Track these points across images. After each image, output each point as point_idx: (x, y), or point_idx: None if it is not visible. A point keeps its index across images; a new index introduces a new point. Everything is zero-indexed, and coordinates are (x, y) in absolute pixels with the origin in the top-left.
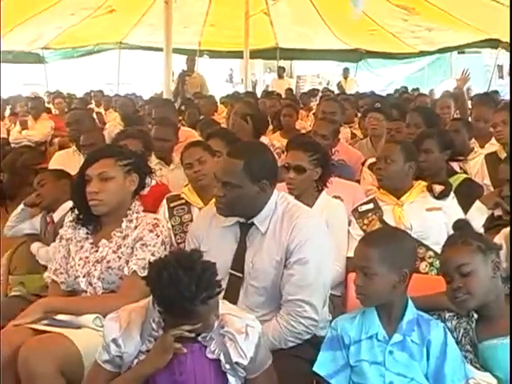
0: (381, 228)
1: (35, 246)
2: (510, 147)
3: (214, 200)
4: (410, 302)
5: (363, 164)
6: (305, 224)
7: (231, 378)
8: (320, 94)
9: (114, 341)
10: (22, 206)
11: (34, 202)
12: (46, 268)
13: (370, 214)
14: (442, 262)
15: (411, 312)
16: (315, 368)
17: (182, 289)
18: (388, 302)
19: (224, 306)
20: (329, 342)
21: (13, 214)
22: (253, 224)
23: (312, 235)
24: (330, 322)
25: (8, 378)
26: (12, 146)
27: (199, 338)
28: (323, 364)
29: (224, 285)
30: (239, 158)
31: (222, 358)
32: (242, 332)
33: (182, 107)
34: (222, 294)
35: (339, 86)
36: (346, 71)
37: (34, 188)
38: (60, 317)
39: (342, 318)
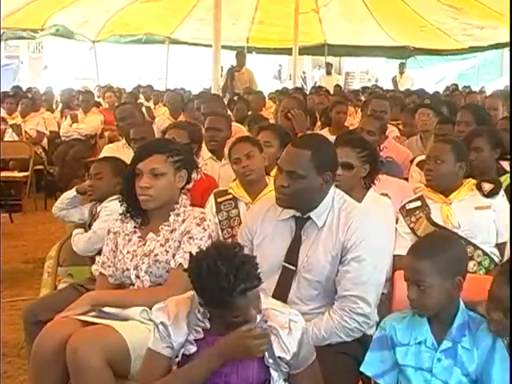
0: (429, 236)
1: (74, 233)
2: (510, 147)
3: (261, 195)
4: (462, 305)
5: (412, 162)
6: (362, 222)
7: (274, 373)
8: (369, 91)
9: (165, 327)
10: (74, 192)
11: (86, 191)
12: (92, 260)
13: (417, 212)
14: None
15: (462, 316)
16: (363, 368)
17: (220, 279)
18: (447, 305)
19: (267, 301)
20: (377, 342)
21: (64, 195)
22: (309, 218)
23: (369, 234)
24: (378, 322)
25: (57, 368)
26: (62, 139)
27: None
28: (371, 364)
29: (276, 277)
30: (307, 149)
31: (265, 352)
32: (286, 327)
33: (231, 102)
34: (273, 286)
35: (394, 81)
36: (401, 66)
37: (90, 177)
38: (107, 309)
39: (391, 317)
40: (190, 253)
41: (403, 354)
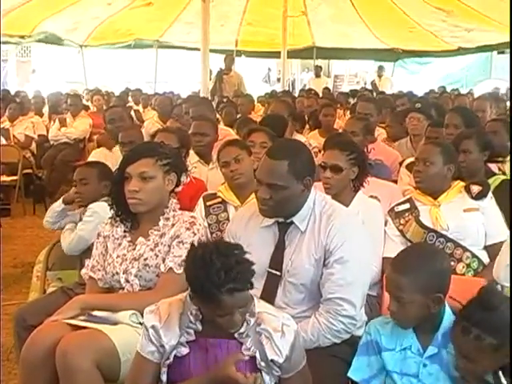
0: (411, 250)
1: (65, 229)
2: (510, 147)
3: (250, 199)
4: (448, 310)
5: (401, 164)
6: (343, 224)
7: (266, 376)
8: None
9: (156, 331)
10: (62, 204)
11: (73, 199)
12: (82, 264)
13: (406, 214)
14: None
15: (448, 321)
16: (350, 374)
17: (211, 272)
18: (427, 318)
19: (260, 305)
20: (364, 347)
21: (52, 208)
22: (292, 223)
23: (351, 235)
24: (367, 322)
25: (46, 372)
26: (51, 143)
27: (235, 335)
28: (359, 369)
29: (262, 283)
30: (282, 159)
31: (257, 355)
32: (279, 330)
33: (220, 106)
34: (260, 292)
35: (373, 84)
36: (380, 69)
37: (74, 183)
38: (97, 313)
39: (375, 322)
40: (191, 245)
41: (389, 359)
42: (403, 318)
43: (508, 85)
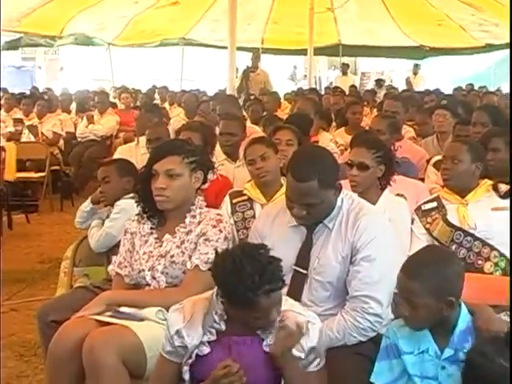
0: (423, 253)
1: (91, 226)
2: (510, 146)
3: (277, 197)
4: (464, 310)
5: (428, 162)
6: (370, 222)
7: None
8: (384, 91)
9: (178, 332)
10: (90, 204)
11: (100, 200)
12: (108, 260)
13: (433, 213)
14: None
15: (464, 321)
16: (372, 379)
17: (245, 278)
18: (440, 320)
19: (287, 303)
20: (384, 351)
21: (81, 209)
22: (320, 222)
23: (378, 233)
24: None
25: (73, 367)
26: (78, 140)
27: (258, 331)
28: (380, 373)
29: (288, 281)
30: (310, 179)
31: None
32: (302, 327)
33: (246, 103)
34: (285, 290)
35: (407, 81)
36: (415, 67)
37: (99, 182)
38: (123, 309)
39: (393, 325)
40: (216, 250)
41: (409, 362)
42: (416, 321)
43: None
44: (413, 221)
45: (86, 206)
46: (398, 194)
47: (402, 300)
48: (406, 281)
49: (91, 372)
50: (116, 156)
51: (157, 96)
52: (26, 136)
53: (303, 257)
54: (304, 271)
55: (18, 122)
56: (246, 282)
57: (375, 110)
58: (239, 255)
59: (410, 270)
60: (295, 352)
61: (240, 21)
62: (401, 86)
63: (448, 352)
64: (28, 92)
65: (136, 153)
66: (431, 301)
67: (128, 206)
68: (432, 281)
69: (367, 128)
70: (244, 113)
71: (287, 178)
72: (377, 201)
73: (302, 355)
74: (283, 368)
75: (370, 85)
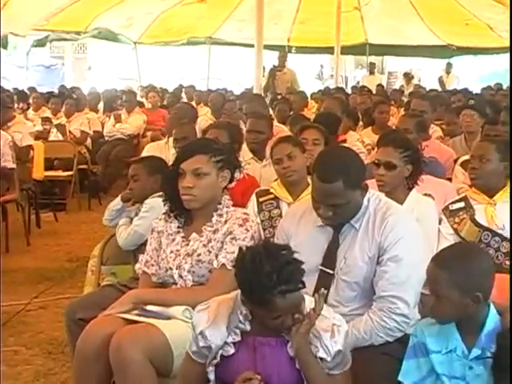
0: (456, 247)
1: (119, 224)
2: (510, 146)
3: (303, 196)
4: (492, 310)
5: (455, 162)
6: (397, 222)
7: None
8: (411, 89)
9: (201, 333)
10: (120, 202)
11: (130, 198)
12: (135, 259)
13: (461, 213)
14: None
15: (493, 321)
16: (400, 377)
17: (262, 276)
18: (465, 316)
19: (311, 305)
20: (412, 350)
21: (110, 207)
22: (347, 222)
23: (405, 233)
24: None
25: (100, 365)
26: (106, 139)
27: (283, 333)
28: (408, 372)
29: (313, 280)
30: (336, 180)
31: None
32: (328, 330)
33: (274, 103)
34: (312, 290)
35: (440, 80)
36: (448, 66)
37: (128, 180)
38: (150, 307)
39: (421, 324)
40: (239, 247)
41: (436, 361)
42: (440, 313)
43: None
44: (440, 221)
45: (116, 204)
46: (425, 194)
47: (429, 290)
48: (434, 269)
49: (118, 370)
50: (144, 154)
51: (183, 95)
52: (54, 135)
53: (330, 257)
54: (330, 271)
55: (46, 120)
56: (263, 280)
57: (402, 109)
58: (260, 253)
59: (440, 260)
60: (321, 353)
61: (267, 20)
62: (428, 85)
63: (475, 352)
64: (56, 91)
65: (165, 151)
66: (456, 293)
67: (157, 204)
68: (459, 273)
69: (394, 127)
70: (271, 112)
71: (312, 179)
72: (404, 200)
73: (328, 358)
74: (306, 370)
75: (398, 84)
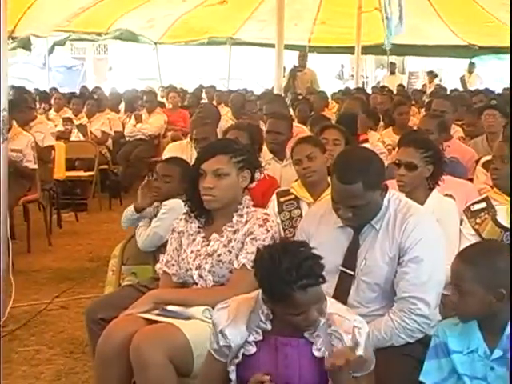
0: (480, 243)
1: (139, 226)
2: (510, 146)
3: (324, 196)
4: None
5: (477, 162)
6: (418, 223)
7: None
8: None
9: (221, 331)
10: (134, 212)
11: (144, 207)
12: (155, 259)
13: (482, 214)
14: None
15: None
16: (422, 377)
17: (282, 272)
18: (488, 315)
19: (332, 306)
20: (433, 350)
21: (127, 214)
22: (367, 222)
23: (426, 234)
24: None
25: (121, 365)
26: (127, 139)
27: (306, 334)
28: (429, 372)
29: (334, 281)
30: (355, 182)
31: (326, 356)
32: (350, 333)
33: (294, 103)
34: (332, 291)
35: (462, 80)
36: (471, 66)
37: (156, 177)
38: (171, 307)
39: (443, 324)
40: (257, 247)
41: (458, 361)
42: (463, 309)
43: None
44: (461, 221)
45: (132, 213)
46: (446, 195)
47: (452, 286)
48: (458, 264)
49: (139, 370)
50: (166, 153)
51: (204, 95)
52: (76, 135)
53: (350, 258)
54: (351, 272)
55: (67, 121)
56: (282, 276)
57: (423, 109)
58: (278, 250)
59: (466, 256)
60: None
61: (287, 21)
62: (449, 85)
63: (497, 353)
64: (78, 92)
65: (187, 151)
66: (480, 289)
67: (176, 205)
68: (485, 269)
69: (415, 128)
70: (291, 112)
71: (332, 180)
72: (425, 201)
73: None
74: (332, 373)
75: (419, 83)
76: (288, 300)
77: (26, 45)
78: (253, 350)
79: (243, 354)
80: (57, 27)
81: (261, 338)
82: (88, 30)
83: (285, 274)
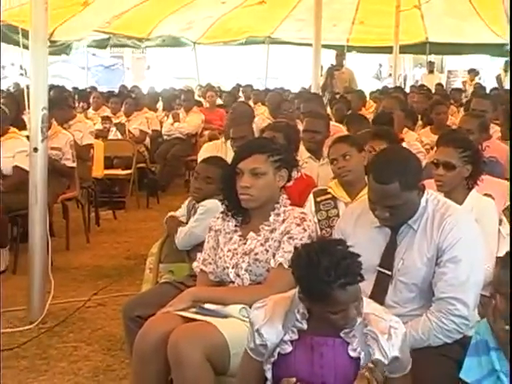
0: None
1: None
2: (510, 145)
3: (361, 195)
4: None
5: None
6: (456, 222)
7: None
8: (471, 89)
9: (257, 330)
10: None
11: (176, 230)
12: (190, 257)
13: None
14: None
15: None
16: (462, 375)
17: (320, 272)
18: None
19: (369, 306)
20: (474, 347)
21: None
22: (404, 222)
23: (464, 234)
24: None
25: (158, 362)
26: (164, 138)
27: (341, 334)
28: (470, 370)
29: (371, 281)
30: (392, 182)
31: (362, 356)
32: (385, 333)
33: (332, 102)
34: (370, 291)
35: (498, 79)
36: (507, 65)
37: (196, 176)
38: (208, 306)
39: (485, 322)
40: (294, 246)
41: (495, 358)
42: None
43: None
44: (500, 221)
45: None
46: (485, 194)
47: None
48: (498, 270)
49: (176, 368)
50: (202, 153)
51: (241, 94)
52: (114, 134)
53: (388, 258)
54: (388, 272)
55: (106, 119)
56: (321, 275)
57: (462, 108)
58: (316, 250)
59: (504, 261)
60: (377, 355)
61: (325, 21)
62: (489, 84)
63: None
64: (116, 90)
65: (223, 151)
66: None
67: (213, 205)
68: None
69: (454, 127)
70: (329, 111)
71: (368, 180)
72: (463, 201)
73: (385, 361)
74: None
75: (460, 81)
76: (327, 299)
77: (65, 51)
78: (288, 349)
79: (279, 353)
80: (97, 28)
81: (296, 337)
82: (128, 34)
83: (323, 274)
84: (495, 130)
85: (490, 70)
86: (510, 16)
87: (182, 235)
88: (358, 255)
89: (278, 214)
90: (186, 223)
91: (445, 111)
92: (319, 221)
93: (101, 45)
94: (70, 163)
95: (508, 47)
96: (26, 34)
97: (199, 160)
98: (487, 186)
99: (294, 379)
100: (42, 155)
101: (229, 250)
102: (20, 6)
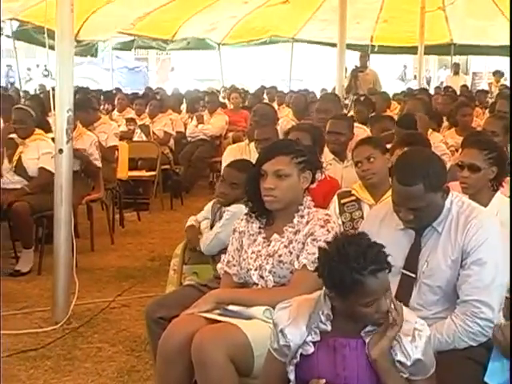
0: None
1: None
2: (510, 146)
3: (385, 198)
4: None
5: None
6: (481, 225)
7: None
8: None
9: (281, 331)
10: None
11: (198, 244)
12: (213, 259)
13: None
14: None
15: None
16: (487, 378)
17: (350, 261)
18: None
19: None
20: (497, 351)
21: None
22: (429, 224)
23: (489, 236)
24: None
25: (182, 363)
26: (188, 139)
27: (362, 334)
28: (494, 373)
29: (395, 283)
30: (416, 183)
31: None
32: (409, 335)
33: (356, 103)
34: (394, 293)
35: None
36: None
37: (222, 180)
38: (232, 307)
39: (508, 324)
40: (319, 247)
41: None
42: None
43: None
44: None
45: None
46: (510, 196)
47: None
48: None
49: (200, 369)
50: (226, 156)
51: (265, 96)
52: (138, 135)
53: (412, 260)
54: (413, 275)
55: (130, 121)
56: (351, 264)
57: (487, 110)
58: (342, 241)
59: None
60: (399, 357)
61: (349, 19)
62: None
63: None
64: (141, 92)
65: (246, 153)
66: None
67: (239, 210)
68: None
69: (479, 129)
70: (353, 113)
71: (392, 182)
72: (488, 203)
73: (407, 362)
74: (385, 377)
75: (485, 82)
76: (359, 288)
77: (91, 52)
78: (310, 350)
79: (301, 354)
80: (121, 29)
81: (318, 338)
82: (152, 36)
83: (353, 262)
84: None
85: None
86: (510, 16)
87: (207, 241)
88: (383, 245)
89: (302, 216)
90: (211, 226)
91: (470, 113)
92: (343, 223)
93: (126, 47)
94: (96, 163)
95: None
96: (51, 35)
97: (223, 163)
98: None
99: (324, 380)
100: (67, 157)
101: (253, 252)
102: (36, 4)
